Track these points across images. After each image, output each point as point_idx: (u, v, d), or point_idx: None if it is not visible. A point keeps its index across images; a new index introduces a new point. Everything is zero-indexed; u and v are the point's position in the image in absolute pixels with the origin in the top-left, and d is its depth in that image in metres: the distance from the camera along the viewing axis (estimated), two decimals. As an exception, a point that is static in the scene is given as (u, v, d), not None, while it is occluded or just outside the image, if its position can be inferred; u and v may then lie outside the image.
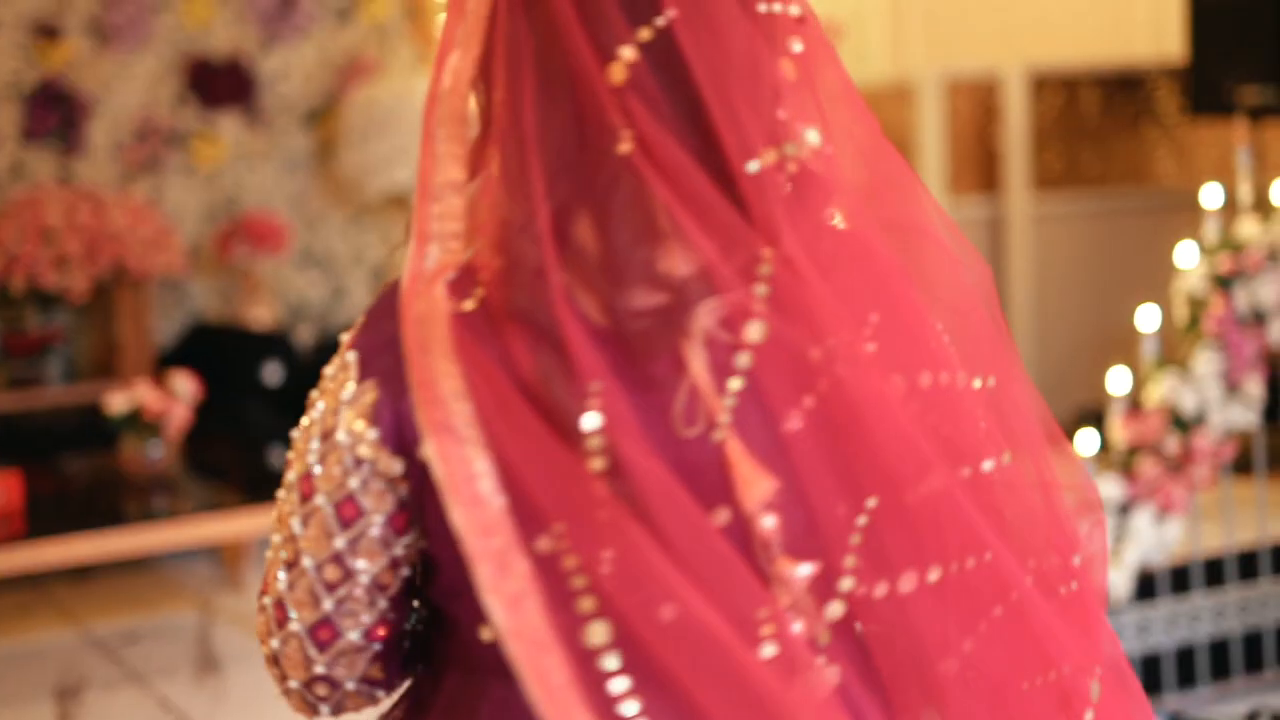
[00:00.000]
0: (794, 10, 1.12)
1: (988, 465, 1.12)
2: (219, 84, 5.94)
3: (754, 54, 1.08)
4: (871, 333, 1.09)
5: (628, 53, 1.05)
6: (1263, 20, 5.73)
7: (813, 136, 1.11)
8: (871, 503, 1.07)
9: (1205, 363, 3.87)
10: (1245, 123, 5.72)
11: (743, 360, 1.05)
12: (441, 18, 1.16)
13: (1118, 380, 3.98)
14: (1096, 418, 6.12)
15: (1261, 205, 4.14)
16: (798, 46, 1.11)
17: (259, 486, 4.62)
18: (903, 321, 1.12)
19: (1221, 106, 5.91)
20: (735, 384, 1.05)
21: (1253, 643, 3.97)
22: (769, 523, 1.05)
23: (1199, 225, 4.20)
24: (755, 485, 1.05)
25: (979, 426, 1.14)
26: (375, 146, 5.87)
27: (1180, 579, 3.92)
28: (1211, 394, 3.86)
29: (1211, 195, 4.14)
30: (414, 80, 6.06)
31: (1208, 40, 5.92)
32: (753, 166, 1.06)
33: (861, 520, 1.07)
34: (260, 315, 5.80)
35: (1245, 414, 3.89)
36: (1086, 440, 3.87)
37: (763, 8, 1.10)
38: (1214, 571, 3.96)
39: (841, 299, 1.08)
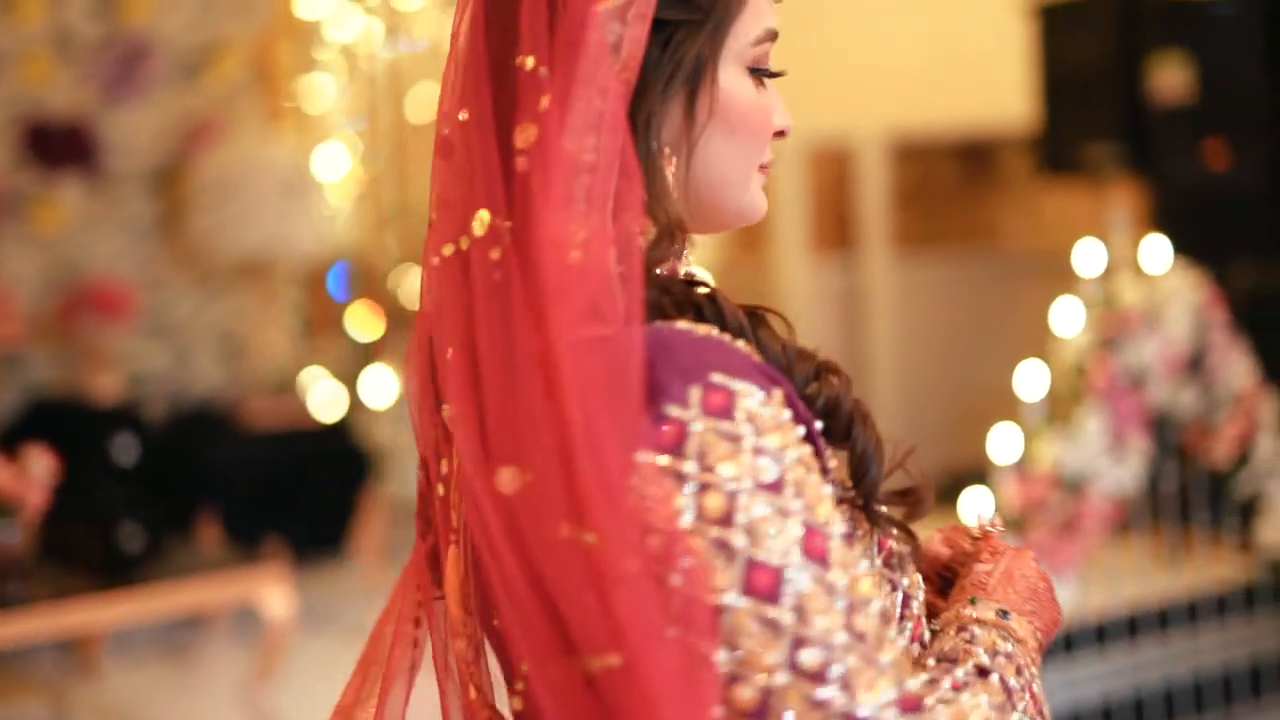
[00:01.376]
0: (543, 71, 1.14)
1: None
2: (59, 146, 5.69)
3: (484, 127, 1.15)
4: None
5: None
6: (1111, 82, 5.86)
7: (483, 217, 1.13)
8: None
9: (1091, 424, 3.88)
10: (1098, 183, 5.83)
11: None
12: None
13: (1002, 442, 3.97)
14: (968, 481, 6.16)
15: (1124, 265, 4.19)
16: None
17: (112, 570, 4.38)
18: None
19: (1072, 167, 6.02)
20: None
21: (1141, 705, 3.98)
22: None
23: (1055, 286, 4.24)
24: None
25: None
26: (225, 210, 5.67)
27: (1068, 642, 3.91)
28: (1099, 455, 3.86)
29: (1086, 256, 4.17)
30: (264, 143, 5.88)
31: (1058, 103, 6.03)
32: (434, 261, 1.16)
33: None
34: (104, 387, 5.54)
35: (1132, 474, 3.91)
36: (977, 502, 3.85)
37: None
38: (1101, 633, 3.96)
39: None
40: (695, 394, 1.09)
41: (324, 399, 6.07)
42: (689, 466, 1.07)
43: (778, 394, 1.11)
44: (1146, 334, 3.99)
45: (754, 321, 1.19)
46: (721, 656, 1.03)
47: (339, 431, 5.82)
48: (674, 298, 1.16)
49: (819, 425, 1.16)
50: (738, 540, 1.05)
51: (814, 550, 1.05)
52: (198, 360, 5.96)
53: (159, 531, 4.64)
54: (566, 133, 1.11)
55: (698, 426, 1.08)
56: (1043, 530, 3.81)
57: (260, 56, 6.14)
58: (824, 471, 1.13)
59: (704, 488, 1.06)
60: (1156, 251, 4.11)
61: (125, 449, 5.12)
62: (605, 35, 1.14)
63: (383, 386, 6.17)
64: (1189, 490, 4.42)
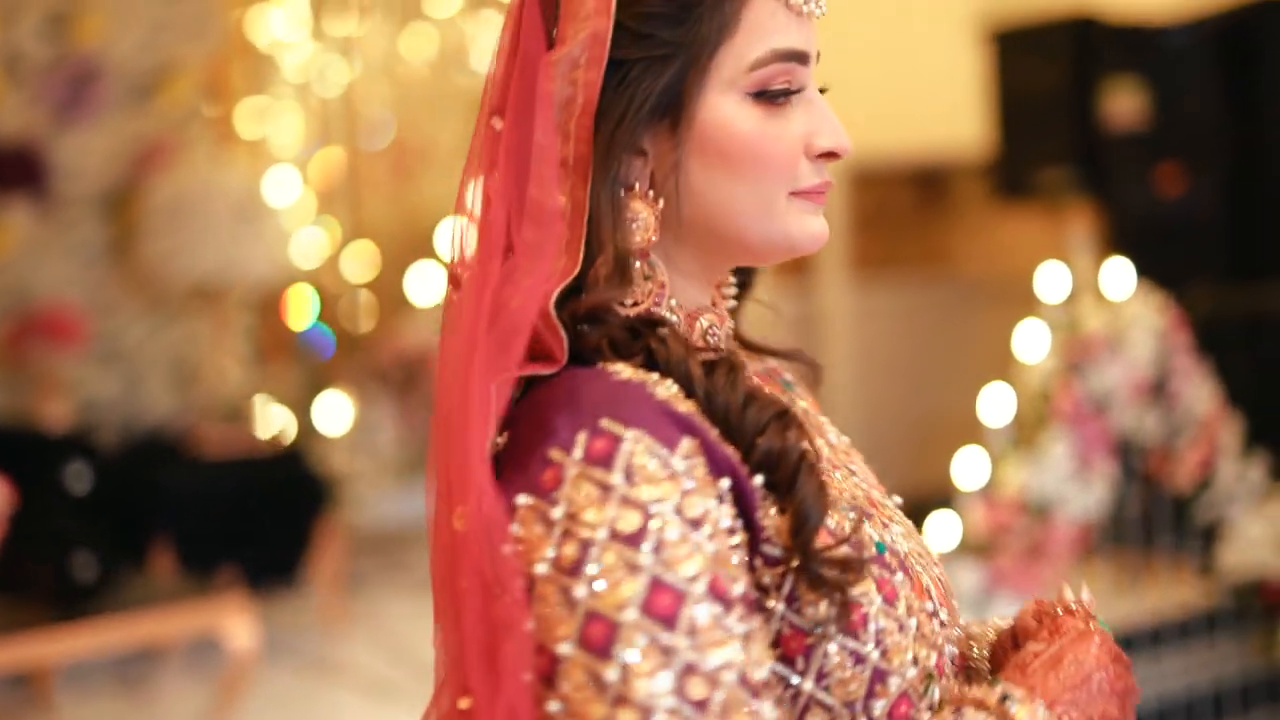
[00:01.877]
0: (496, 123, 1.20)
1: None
2: (8, 169, 5.60)
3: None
4: None
5: None
6: (1065, 108, 5.89)
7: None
8: None
9: (1056, 449, 3.88)
10: (1053, 208, 5.86)
11: None
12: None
13: (968, 467, 3.97)
14: (929, 507, 6.16)
15: (1086, 290, 4.20)
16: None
17: (66, 601, 4.30)
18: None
19: (1027, 192, 6.05)
20: None
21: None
22: None
23: (1012, 311, 4.24)
24: None
25: None
26: (178, 235, 5.60)
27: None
28: (1064, 480, 3.86)
29: (1048, 280, 4.18)
30: (217, 166, 5.81)
31: (1013, 129, 6.07)
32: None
33: None
34: (55, 415, 5.45)
35: (1097, 498, 3.91)
36: (944, 527, 3.84)
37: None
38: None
39: None
40: (582, 439, 1.08)
41: (277, 425, 6.00)
42: (556, 512, 1.06)
43: (685, 444, 1.09)
44: (1110, 359, 4.00)
45: (714, 366, 1.17)
46: (554, 707, 1.02)
47: (293, 458, 5.75)
48: (614, 339, 1.16)
49: (759, 480, 1.13)
50: (579, 591, 1.03)
51: (656, 608, 1.03)
52: (149, 387, 5.87)
53: (113, 561, 4.56)
54: (501, 182, 1.17)
55: (573, 472, 1.07)
56: (1009, 555, 3.80)
57: (213, 79, 6.08)
58: (743, 529, 1.10)
59: (565, 534, 1.05)
60: (1119, 275, 4.13)
61: (78, 477, 5.03)
62: (554, 85, 1.16)
63: (337, 412, 6.10)
64: (1152, 515, 4.43)
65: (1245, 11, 5.51)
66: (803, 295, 6.29)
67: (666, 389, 1.13)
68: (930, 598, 1.20)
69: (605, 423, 1.09)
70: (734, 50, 1.19)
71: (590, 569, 1.04)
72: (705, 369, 1.16)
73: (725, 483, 1.10)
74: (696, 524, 1.07)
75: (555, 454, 1.09)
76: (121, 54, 5.76)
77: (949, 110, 6.65)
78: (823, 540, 1.12)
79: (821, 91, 1.24)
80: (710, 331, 1.25)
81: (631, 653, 1.01)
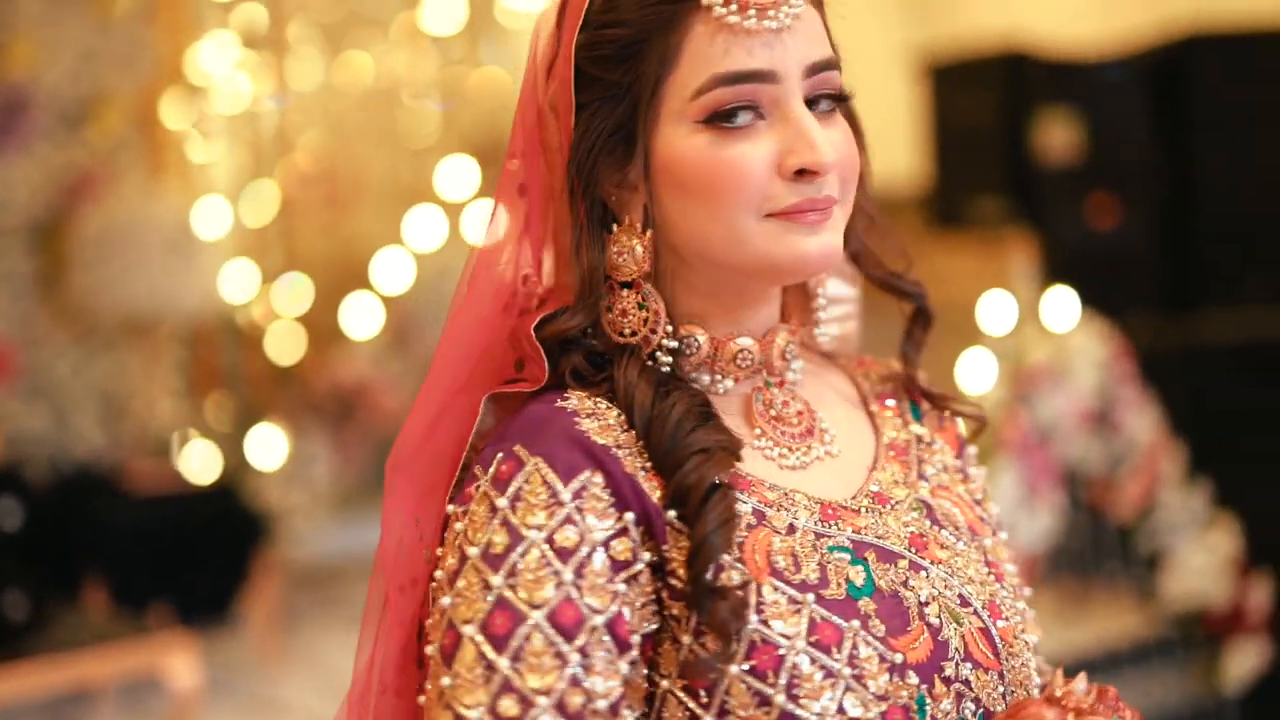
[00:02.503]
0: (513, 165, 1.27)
1: None
2: (-66, 200, 5.49)
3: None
4: None
5: None
6: (999, 141, 5.95)
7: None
8: None
9: (1004, 478, 3.89)
10: (988, 239, 5.91)
11: None
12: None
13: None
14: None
15: (1029, 319, 4.22)
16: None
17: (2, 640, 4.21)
18: None
19: (962, 223, 6.10)
20: None
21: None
22: None
23: (948, 340, 4.26)
24: None
25: None
26: (108, 267, 5.51)
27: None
28: (1012, 509, 3.88)
29: (993, 310, 4.20)
30: (148, 197, 5.73)
31: (948, 161, 6.12)
32: None
33: None
34: (-18, 450, 5.33)
35: (1045, 527, 3.93)
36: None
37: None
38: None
39: None
40: (496, 460, 1.17)
41: (210, 460, 5.90)
42: (459, 525, 1.16)
43: (584, 476, 1.15)
44: (1055, 389, 4.02)
45: (664, 398, 1.20)
46: (427, 686, 1.15)
47: (227, 493, 5.66)
48: (577, 368, 1.23)
49: (672, 513, 1.16)
50: (444, 600, 1.14)
51: (492, 627, 1.10)
52: (78, 421, 5.75)
53: (45, 599, 4.46)
54: (493, 222, 1.26)
55: (480, 490, 1.16)
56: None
57: (144, 109, 5.99)
58: (648, 562, 1.15)
59: (457, 547, 1.15)
60: (1062, 305, 4.16)
61: (8, 513, 4.91)
62: (545, 132, 1.25)
63: (271, 447, 6.01)
64: (1096, 544, 4.45)
65: (1174, 46, 5.60)
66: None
67: (595, 421, 1.19)
68: (945, 652, 1.18)
69: (517, 447, 1.17)
70: (678, 81, 1.19)
71: (458, 583, 1.13)
72: (655, 396, 1.20)
73: (629, 516, 1.15)
74: (564, 554, 1.12)
75: (478, 470, 1.18)
76: (51, 83, 5.67)
77: (885, 143, 6.67)
78: (726, 575, 1.14)
79: (842, 99, 1.23)
80: (742, 355, 1.26)
81: (461, 664, 1.10)
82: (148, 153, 6.00)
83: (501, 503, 1.15)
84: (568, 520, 1.13)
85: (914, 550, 1.23)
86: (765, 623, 1.13)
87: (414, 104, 7.12)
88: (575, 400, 1.21)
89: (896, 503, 1.26)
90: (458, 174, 6.73)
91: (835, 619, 1.15)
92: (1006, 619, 1.24)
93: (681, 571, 1.14)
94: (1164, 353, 4.97)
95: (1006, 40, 5.97)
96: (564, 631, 1.10)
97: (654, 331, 1.24)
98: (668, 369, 1.25)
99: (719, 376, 1.27)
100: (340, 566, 6.03)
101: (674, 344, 1.25)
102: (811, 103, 1.21)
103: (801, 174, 1.19)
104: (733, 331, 1.27)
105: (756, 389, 1.28)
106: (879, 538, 1.22)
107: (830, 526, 1.22)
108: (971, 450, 1.40)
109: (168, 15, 6.08)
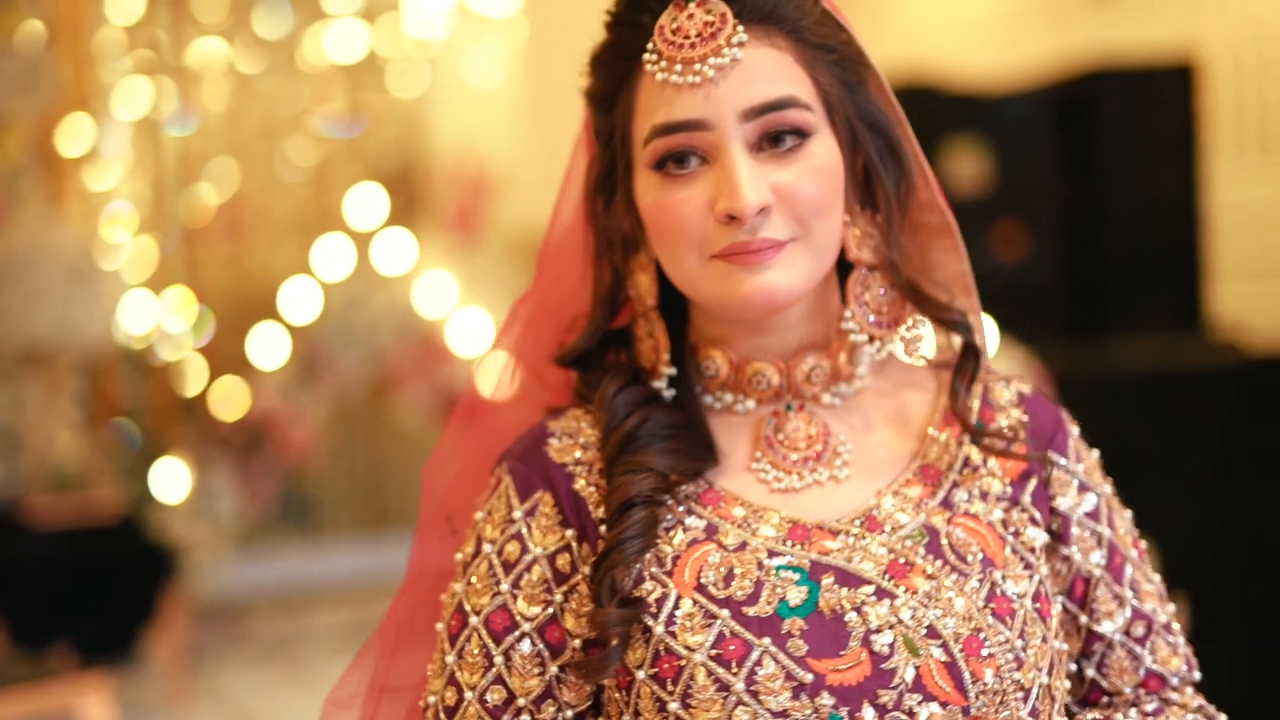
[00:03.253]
0: None
1: None
2: None
3: None
4: None
5: None
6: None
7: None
8: None
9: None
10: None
11: None
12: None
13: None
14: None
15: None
16: None
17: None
18: None
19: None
20: None
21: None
22: None
23: None
24: None
25: None
26: (7, 296, 5.38)
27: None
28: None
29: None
30: (48, 225, 5.60)
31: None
32: None
33: None
34: (-125, 485, 5.17)
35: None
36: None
37: None
38: None
39: None
40: (496, 472, 1.33)
41: (112, 494, 5.77)
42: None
43: (538, 496, 1.29)
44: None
45: (630, 414, 1.29)
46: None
47: (130, 528, 5.53)
48: (586, 390, 1.34)
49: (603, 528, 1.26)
50: (444, 596, 1.33)
51: (451, 627, 1.28)
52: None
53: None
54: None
55: (483, 498, 1.33)
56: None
57: (43, 136, 5.87)
58: (574, 574, 1.27)
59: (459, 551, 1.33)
60: (985, 332, 4.19)
61: (-97, 550, 4.77)
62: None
63: (174, 480, 5.89)
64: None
65: (1079, 79, 5.69)
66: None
67: (564, 440, 1.31)
68: (887, 680, 1.17)
69: (503, 464, 1.33)
70: (636, 131, 1.28)
71: (454, 584, 1.31)
72: (624, 415, 1.29)
73: (570, 532, 1.27)
74: (507, 566, 1.27)
75: (491, 480, 1.35)
76: (-53, 109, 5.55)
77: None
78: (637, 587, 1.22)
79: (804, 135, 1.25)
80: (757, 379, 1.32)
81: (434, 655, 1.29)
82: (47, 180, 5.88)
83: (479, 515, 1.33)
84: (515, 536, 1.28)
85: (889, 577, 1.23)
86: (673, 634, 1.19)
87: (318, 132, 7.04)
88: (563, 420, 1.34)
89: (894, 527, 1.26)
90: (366, 203, 6.66)
91: (747, 635, 1.19)
92: (989, 654, 1.21)
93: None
94: (1075, 380, 5.03)
95: (912, 72, 6.04)
96: (494, 635, 1.25)
97: (658, 358, 1.33)
98: (671, 392, 1.32)
99: (741, 397, 1.34)
100: (246, 602, 5.93)
101: (672, 371, 1.32)
102: (775, 139, 1.24)
103: (731, 218, 1.23)
104: (751, 355, 1.32)
105: (774, 412, 1.33)
106: (846, 561, 1.23)
107: (791, 546, 1.24)
108: (1076, 467, 1.38)
109: (69, 41, 5.97)
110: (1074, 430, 1.40)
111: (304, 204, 6.98)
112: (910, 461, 1.32)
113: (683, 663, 1.18)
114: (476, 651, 1.25)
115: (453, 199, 6.61)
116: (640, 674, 1.20)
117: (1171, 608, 1.39)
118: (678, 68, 1.23)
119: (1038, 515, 1.33)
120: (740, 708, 1.16)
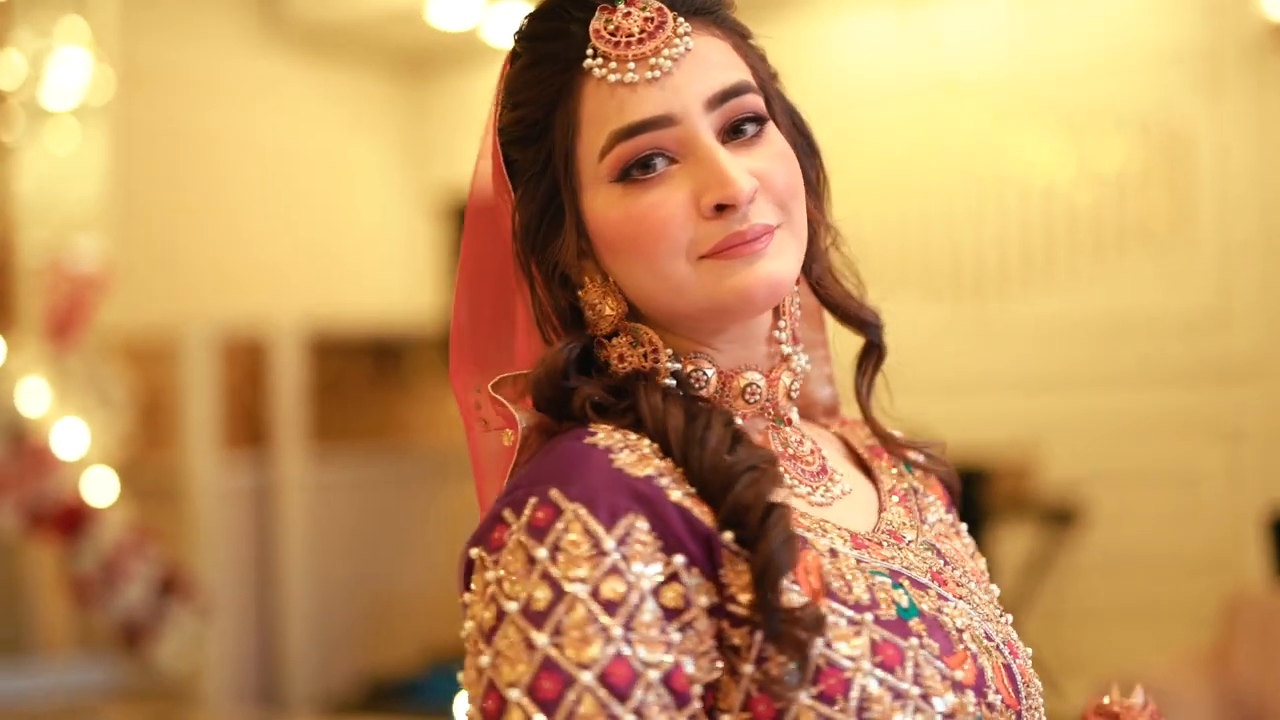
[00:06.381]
0: None
1: None
2: None
3: None
4: None
5: None
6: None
7: None
8: None
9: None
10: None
11: None
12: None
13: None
14: (386, 690, 6.01)
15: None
16: None
17: None
18: None
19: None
20: None
21: None
22: None
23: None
24: None
25: None
26: None
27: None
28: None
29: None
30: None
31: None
32: None
33: None
34: None
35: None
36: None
37: None
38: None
39: None
40: (530, 505, 1.10)
41: None
42: (491, 574, 1.09)
43: (626, 521, 1.08)
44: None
45: (695, 417, 1.17)
46: None
47: None
48: (596, 401, 1.19)
49: (729, 535, 1.11)
50: (484, 660, 1.06)
51: (542, 691, 1.03)
52: None
53: None
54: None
55: (514, 538, 1.09)
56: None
57: None
58: (706, 598, 1.09)
59: (491, 599, 1.08)
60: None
61: None
62: (507, 220, 1.26)
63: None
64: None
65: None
66: (259, 467, 6.01)
67: (630, 454, 1.13)
68: (985, 680, 1.17)
69: (553, 492, 1.10)
70: (585, 147, 1.21)
71: (497, 641, 1.06)
72: (687, 419, 1.16)
73: (679, 559, 1.09)
74: (611, 607, 1.05)
75: (508, 514, 1.10)
76: None
77: (406, 282, 6.65)
78: (786, 596, 1.09)
79: (761, 120, 1.21)
80: (750, 390, 1.23)
81: None
82: None
83: (540, 554, 1.08)
84: (613, 570, 1.07)
85: (937, 584, 1.22)
86: (829, 644, 1.09)
87: None
88: (604, 435, 1.15)
89: (910, 541, 1.26)
90: None
91: (894, 638, 1.12)
92: (1022, 659, 1.24)
93: (742, 597, 1.09)
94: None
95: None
96: (617, 692, 1.03)
97: (657, 360, 1.22)
98: (682, 392, 1.22)
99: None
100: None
101: (676, 366, 1.22)
102: (735, 129, 1.20)
103: (721, 209, 1.17)
104: (739, 365, 1.24)
105: (770, 427, 1.26)
106: (906, 568, 1.21)
107: (864, 554, 1.20)
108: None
109: None
110: None
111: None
112: (877, 484, 1.32)
113: (849, 675, 1.09)
114: (594, 714, 1.03)
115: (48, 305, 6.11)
116: (803, 698, 1.07)
117: None
118: (630, 66, 1.18)
119: (970, 541, 1.37)
120: (918, 714, 1.09)
